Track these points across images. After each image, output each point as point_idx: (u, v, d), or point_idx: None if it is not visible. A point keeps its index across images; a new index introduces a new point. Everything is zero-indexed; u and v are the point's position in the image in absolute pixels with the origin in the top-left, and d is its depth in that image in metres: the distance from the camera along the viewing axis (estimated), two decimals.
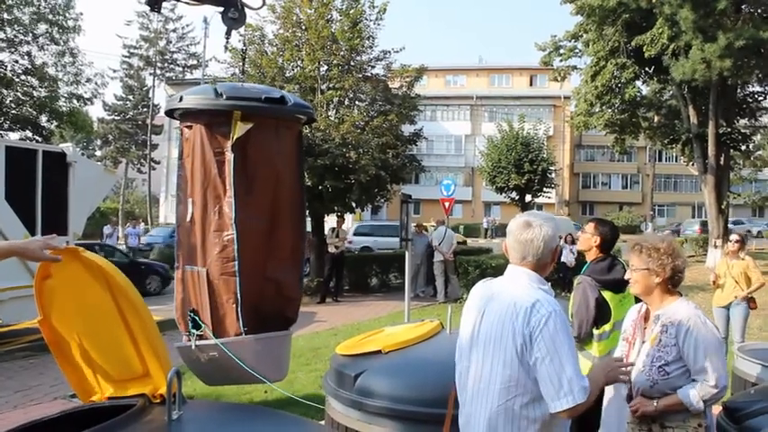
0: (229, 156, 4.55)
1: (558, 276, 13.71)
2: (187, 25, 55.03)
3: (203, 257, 4.65)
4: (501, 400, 2.16)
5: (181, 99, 4.74)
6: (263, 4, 4.96)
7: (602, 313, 3.71)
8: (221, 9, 4.72)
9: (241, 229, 4.57)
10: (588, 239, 4.00)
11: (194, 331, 4.62)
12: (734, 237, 7.79)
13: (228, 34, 5.30)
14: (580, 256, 11.40)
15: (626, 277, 2.82)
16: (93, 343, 2.52)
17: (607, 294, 3.73)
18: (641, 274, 2.68)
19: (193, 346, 4.63)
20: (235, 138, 4.52)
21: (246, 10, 4.79)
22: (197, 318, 4.63)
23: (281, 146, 4.89)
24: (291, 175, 5.04)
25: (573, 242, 14.03)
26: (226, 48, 5.18)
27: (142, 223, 34.61)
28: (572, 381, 2.07)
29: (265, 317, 4.78)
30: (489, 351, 2.21)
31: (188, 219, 4.71)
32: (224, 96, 4.56)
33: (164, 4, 4.65)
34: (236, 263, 4.55)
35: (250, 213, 4.65)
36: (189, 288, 4.73)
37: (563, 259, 14.44)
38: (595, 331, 3.73)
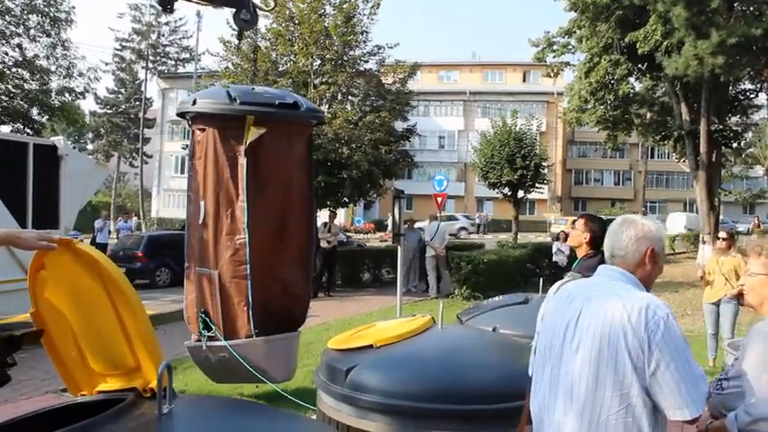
0: (242, 161, 4.56)
1: (550, 273, 13.76)
2: (180, 18, 54.74)
3: (215, 260, 4.67)
4: (612, 409, 1.95)
5: (194, 102, 4.73)
6: (276, 5, 4.98)
7: None
8: (233, 10, 4.73)
9: (252, 231, 4.58)
10: (578, 236, 4.00)
11: (205, 332, 4.67)
12: (722, 234, 7.83)
13: (240, 35, 5.32)
14: (572, 253, 11.43)
15: (739, 284, 2.44)
16: (84, 336, 2.51)
17: None
18: (758, 281, 2.31)
19: (204, 347, 4.69)
20: (248, 143, 4.53)
21: (256, 11, 4.82)
22: (208, 319, 4.66)
23: (293, 150, 4.90)
24: (301, 177, 5.04)
25: (566, 239, 14.07)
26: (238, 49, 5.24)
27: (135, 217, 34.44)
28: (700, 387, 1.94)
29: (274, 315, 4.81)
30: (594, 355, 1.98)
31: (200, 221, 4.73)
32: (238, 101, 4.55)
33: (175, 4, 4.65)
34: (248, 266, 4.58)
35: (261, 216, 4.67)
36: (200, 289, 4.76)
37: (554, 259, 14.49)
38: None
